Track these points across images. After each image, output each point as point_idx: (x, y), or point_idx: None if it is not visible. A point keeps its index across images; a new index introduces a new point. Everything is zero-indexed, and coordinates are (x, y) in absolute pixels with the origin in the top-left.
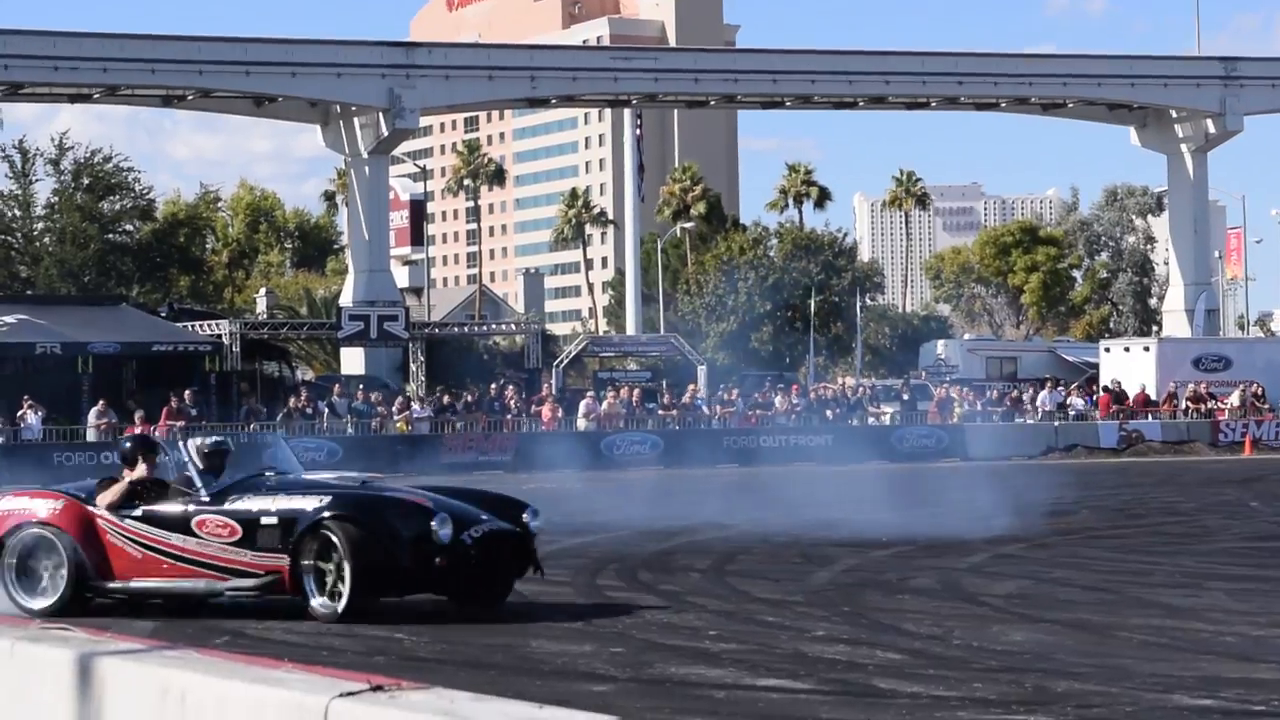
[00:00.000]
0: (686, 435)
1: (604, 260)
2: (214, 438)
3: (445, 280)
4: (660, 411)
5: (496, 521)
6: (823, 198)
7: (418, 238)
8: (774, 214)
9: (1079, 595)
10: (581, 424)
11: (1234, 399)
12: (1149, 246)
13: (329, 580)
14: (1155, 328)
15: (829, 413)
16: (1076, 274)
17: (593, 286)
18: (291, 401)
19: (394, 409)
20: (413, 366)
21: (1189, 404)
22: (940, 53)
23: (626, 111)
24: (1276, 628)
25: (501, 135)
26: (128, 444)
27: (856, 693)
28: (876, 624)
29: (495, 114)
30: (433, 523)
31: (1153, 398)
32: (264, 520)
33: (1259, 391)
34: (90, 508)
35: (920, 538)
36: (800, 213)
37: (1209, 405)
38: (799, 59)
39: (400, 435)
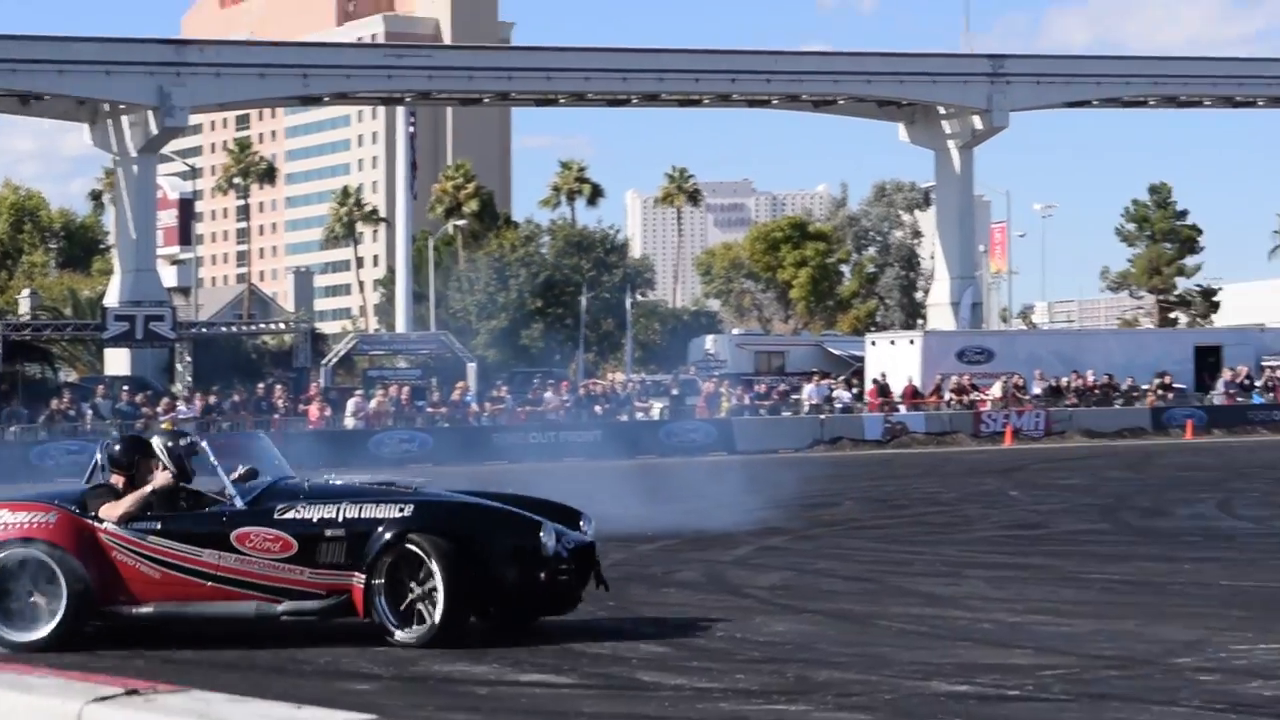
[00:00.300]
0: (455, 433)
1: (375, 258)
2: (186, 436)
3: (214, 279)
4: (429, 409)
5: (574, 532)
6: (595, 195)
7: (186, 237)
8: (547, 211)
9: (841, 585)
10: (350, 423)
11: (995, 390)
12: (916, 241)
13: (413, 601)
14: (921, 321)
15: (598, 408)
16: (845, 269)
17: (364, 285)
18: (54, 403)
19: (159, 409)
20: (179, 367)
21: (952, 395)
22: (713, 50)
23: (400, 109)
24: (1032, 614)
25: (273, 133)
26: (118, 446)
27: (620, 686)
28: (640, 618)
29: (267, 112)
30: (541, 534)
31: (919, 390)
32: (328, 533)
33: (1020, 383)
34: (87, 520)
35: (686, 531)
36: (573, 210)
37: (971, 397)
38: (573, 56)
39: None
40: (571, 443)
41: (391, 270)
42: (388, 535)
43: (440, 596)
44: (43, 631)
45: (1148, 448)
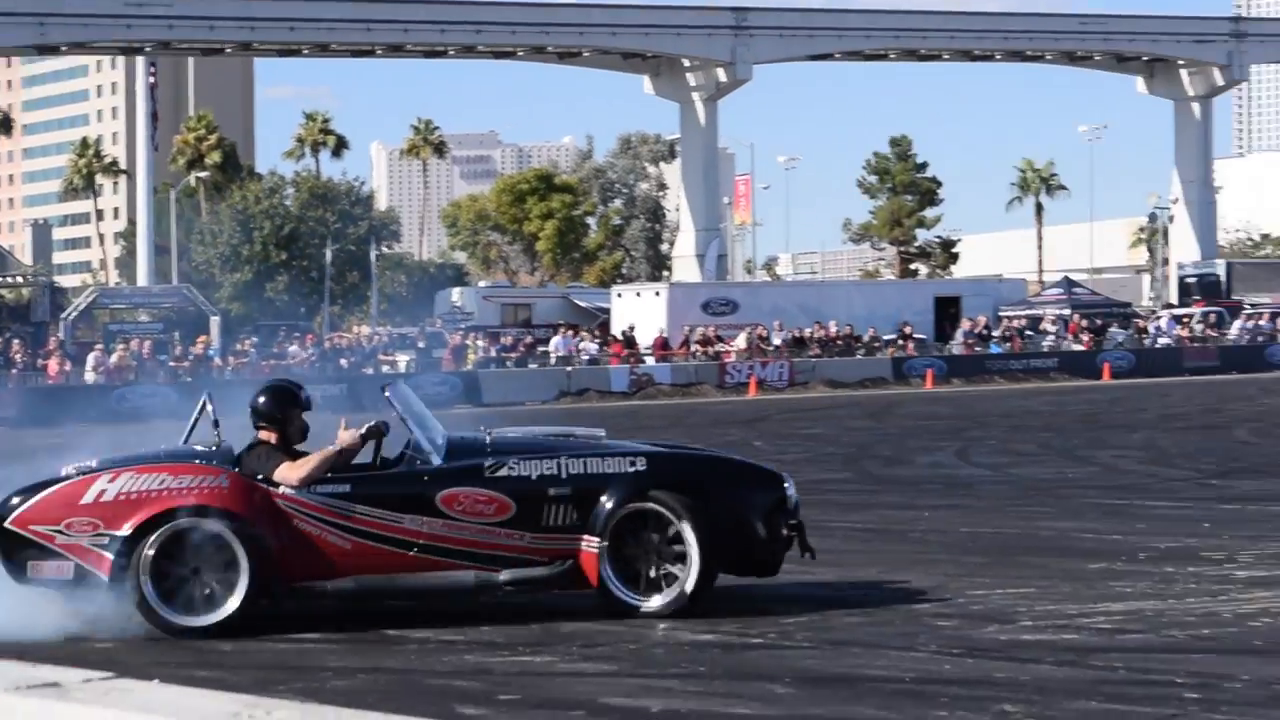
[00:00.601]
0: (199, 386)
1: (116, 211)
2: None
3: None
4: (172, 363)
5: None
6: (340, 146)
7: None
8: (291, 163)
9: None
10: (90, 377)
11: (740, 341)
12: (661, 193)
13: (656, 566)
14: (666, 273)
15: (343, 361)
16: (591, 221)
17: (104, 238)
18: None
19: None
20: None
21: (697, 347)
22: (459, 1)
23: (140, 59)
24: None
25: (9, 83)
26: (264, 397)
27: (368, 641)
28: None
29: (2, 61)
30: (786, 485)
31: (669, 342)
32: (551, 492)
33: (763, 334)
34: (259, 484)
35: None
36: (317, 161)
37: (716, 348)
38: (316, 6)
39: None
40: (316, 396)
41: (132, 223)
42: (625, 493)
43: (694, 559)
44: (218, 614)
45: (889, 397)
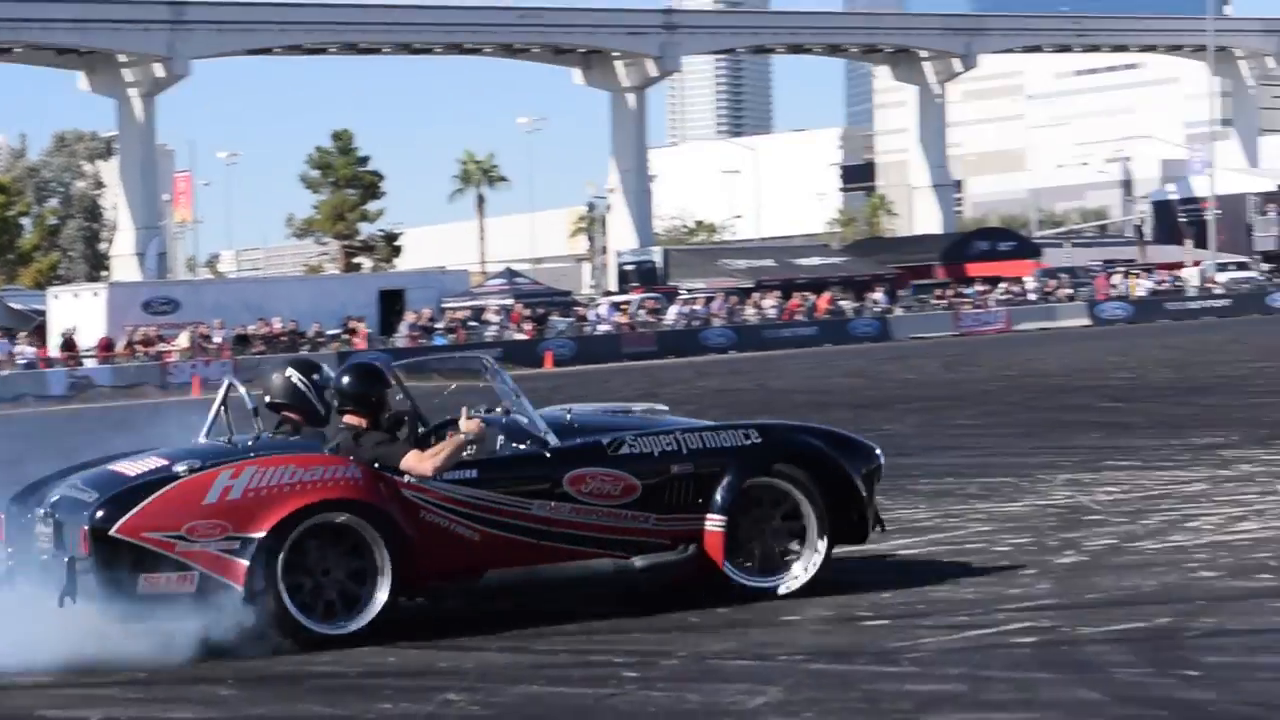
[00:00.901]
0: None
1: None
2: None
3: None
4: None
5: None
6: None
7: None
8: None
9: None
10: None
11: (182, 340)
12: (99, 192)
13: (775, 545)
14: (105, 273)
15: None
16: (25, 221)
17: None
18: None
19: None
20: None
21: (139, 347)
22: None
23: None
24: None
25: None
26: (350, 378)
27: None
28: None
29: None
30: (879, 455)
31: (113, 343)
32: (674, 470)
33: (205, 332)
34: (384, 474)
35: None
36: None
37: (158, 348)
38: None
39: None
40: None
41: None
42: (747, 468)
43: (815, 536)
44: (361, 620)
45: None
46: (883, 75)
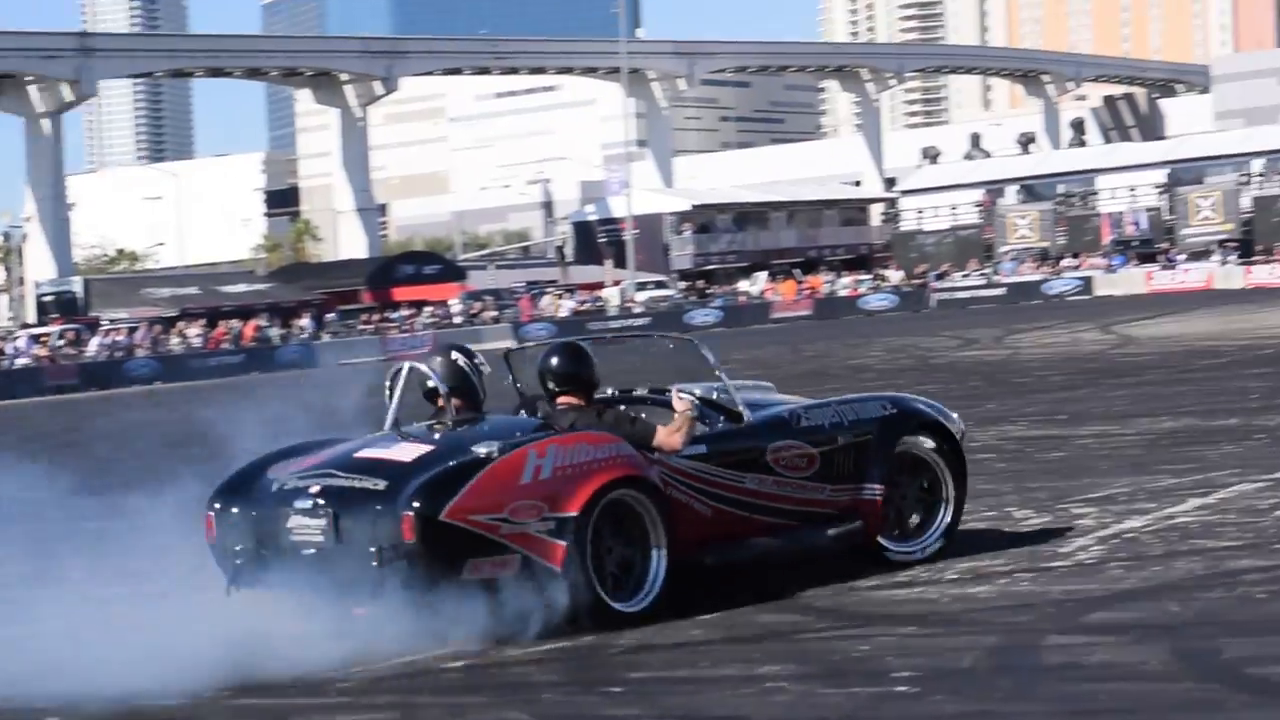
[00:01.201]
0: None
1: None
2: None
3: None
4: None
5: None
6: None
7: None
8: None
9: None
10: None
11: None
12: None
13: (913, 513)
14: None
15: None
16: None
17: None
18: None
19: None
20: None
21: None
22: None
23: None
24: None
25: None
26: (562, 359)
27: None
28: None
29: None
30: (956, 416)
31: None
32: (840, 440)
33: None
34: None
35: None
36: None
37: None
38: None
39: None
40: None
41: None
42: (894, 438)
43: (952, 501)
44: (648, 597)
45: None
46: (304, 99)
